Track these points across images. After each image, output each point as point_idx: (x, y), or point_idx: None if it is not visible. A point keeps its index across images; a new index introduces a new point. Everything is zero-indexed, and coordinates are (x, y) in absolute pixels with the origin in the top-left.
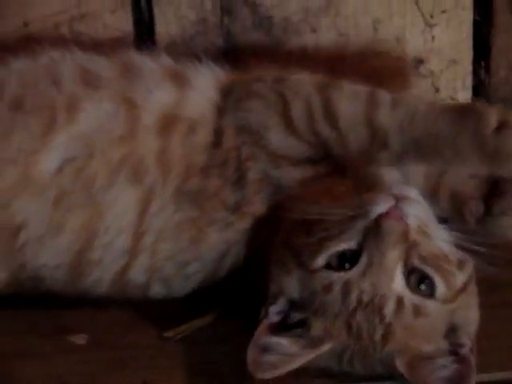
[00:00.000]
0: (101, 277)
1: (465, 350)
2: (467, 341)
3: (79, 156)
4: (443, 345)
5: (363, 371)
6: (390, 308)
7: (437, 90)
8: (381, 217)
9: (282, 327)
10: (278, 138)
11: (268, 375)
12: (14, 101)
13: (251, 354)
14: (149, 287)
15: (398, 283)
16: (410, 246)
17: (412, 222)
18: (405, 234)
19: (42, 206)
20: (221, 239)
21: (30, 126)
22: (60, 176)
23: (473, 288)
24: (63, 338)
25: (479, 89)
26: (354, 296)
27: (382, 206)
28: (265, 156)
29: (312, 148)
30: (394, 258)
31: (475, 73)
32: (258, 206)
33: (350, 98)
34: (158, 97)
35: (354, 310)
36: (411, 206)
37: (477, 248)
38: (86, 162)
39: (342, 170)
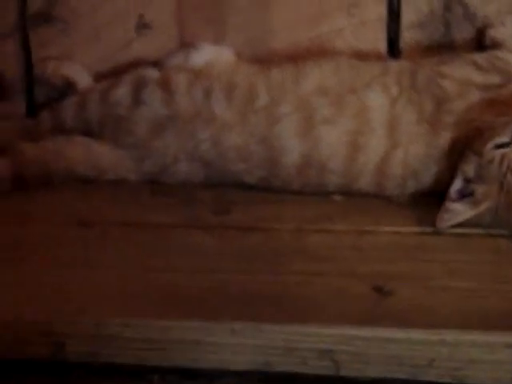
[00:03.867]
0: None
1: None
2: None
3: None
4: None
5: (506, 225)
6: None
7: None
8: None
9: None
10: None
11: (447, 224)
12: None
13: (440, 214)
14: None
15: None
16: None
17: None
18: None
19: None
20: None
21: None
22: None
23: None
24: None
25: None
26: (506, 163)
27: None
28: None
29: None
30: None
31: None
32: None
33: None
34: None
35: (505, 173)
36: None
37: None
38: None
39: None
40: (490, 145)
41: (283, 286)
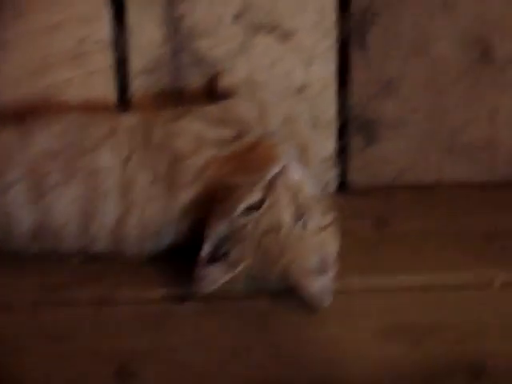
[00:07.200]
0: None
1: (330, 274)
2: (332, 269)
3: None
4: (317, 267)
5: (262, 284)
6: (284, 233)
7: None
8: (275, 174)
9: (213, 260)
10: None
11: (205, 290)
12: None
13: (196, 280)
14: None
15: (288, 216)
16: (293, 193)
17: (293, 178)
18: (289, 186)
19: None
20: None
21: None
22: None
23: (335, 231)
24: None
25: (343, 106)
26: (260, 228)
27: (276, 169)
28: None
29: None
30: (284, 201)
31: (340, 95)
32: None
33: None
34: None
35: (260, 237)
36: (292, 169)
37: None
38: None
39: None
40: (241, 206)
41: (15, 372)
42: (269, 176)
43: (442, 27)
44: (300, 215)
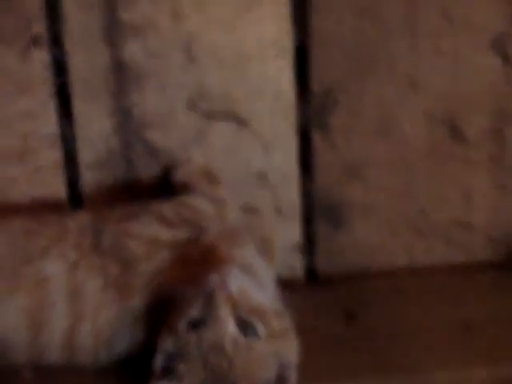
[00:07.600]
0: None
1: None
2: (292, 375)
3: None
4: (273, 376)
5: None
6: (229, 348)
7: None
8: (212, 289)
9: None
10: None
11: None
12: None
13: None
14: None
15: (232, 330)
16: (234, 304)
17: (234, 287)
18: (229, 297)
19: None
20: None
21: None
22: None
23: (292, 333)
24: None
25: (308, 191)
26: (204, 345)
27: (212, 282)
28: None
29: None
30: (225, 314)
31: (303, 180)
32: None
33: None
34: None
35: (206, 354)
36: (232, 278)
37: None
38: None
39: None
40: (183, 322)
41: None
42: (207, 288)
43: (408, 106)
44: (245, 325)
